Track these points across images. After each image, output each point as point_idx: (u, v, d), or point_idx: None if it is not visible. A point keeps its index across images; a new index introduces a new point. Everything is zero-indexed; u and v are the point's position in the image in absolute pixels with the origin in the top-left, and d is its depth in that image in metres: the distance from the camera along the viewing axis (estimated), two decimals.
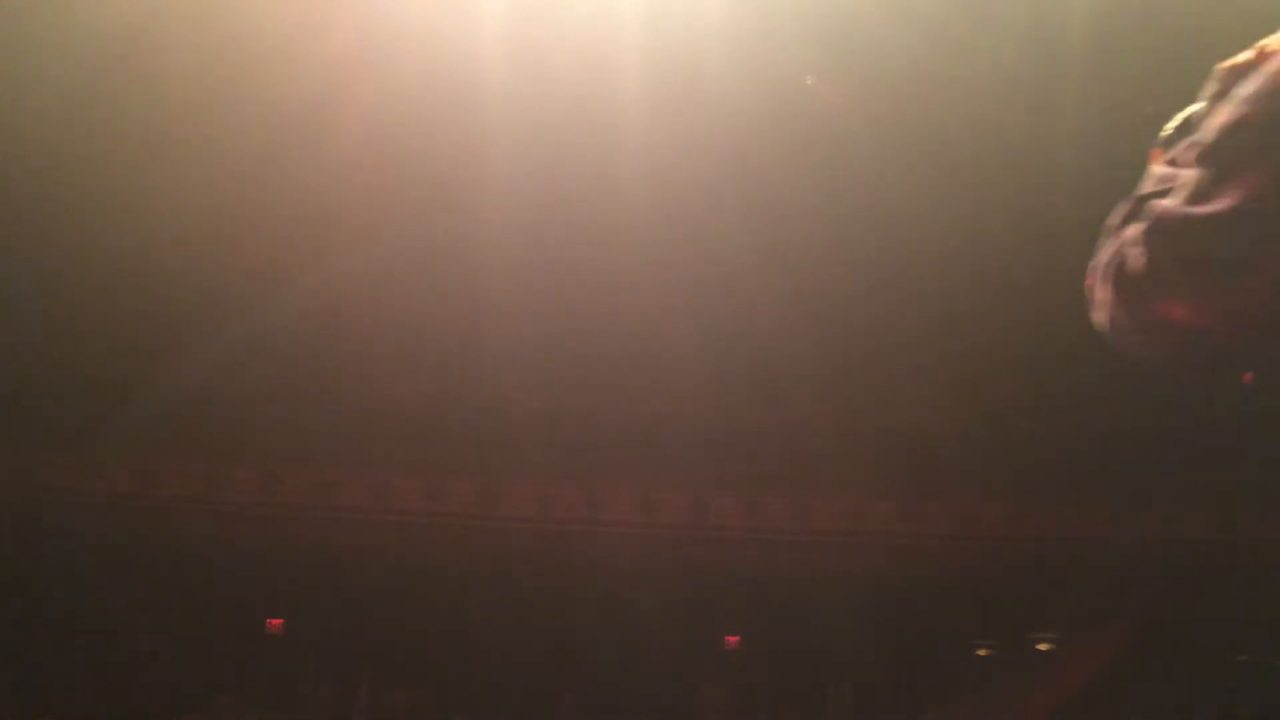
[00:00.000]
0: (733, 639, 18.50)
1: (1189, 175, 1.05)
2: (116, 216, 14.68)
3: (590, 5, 12.31)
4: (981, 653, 18.94)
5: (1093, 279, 1.14)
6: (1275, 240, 0.98)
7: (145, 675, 15.91)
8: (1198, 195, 1.03)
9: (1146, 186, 1.11)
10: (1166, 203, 1.05)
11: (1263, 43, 1.06)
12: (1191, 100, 1.13)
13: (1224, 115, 1.04)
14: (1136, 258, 1.06)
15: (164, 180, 13.94)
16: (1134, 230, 1.08)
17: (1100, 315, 1.12)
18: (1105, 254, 1.11)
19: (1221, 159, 1.02)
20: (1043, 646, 18.28)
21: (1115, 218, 1.13)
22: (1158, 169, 1.11)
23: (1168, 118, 1.16)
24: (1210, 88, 1.09)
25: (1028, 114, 12.74)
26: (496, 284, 16.21)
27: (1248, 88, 1.02)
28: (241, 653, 16.37)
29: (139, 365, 16.27)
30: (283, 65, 12.43)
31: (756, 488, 18.11)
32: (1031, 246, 17.23)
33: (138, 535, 15.76)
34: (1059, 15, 12.19)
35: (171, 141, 13.82)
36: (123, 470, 16.44)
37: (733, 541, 17.82)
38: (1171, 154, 1.10)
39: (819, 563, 17.19)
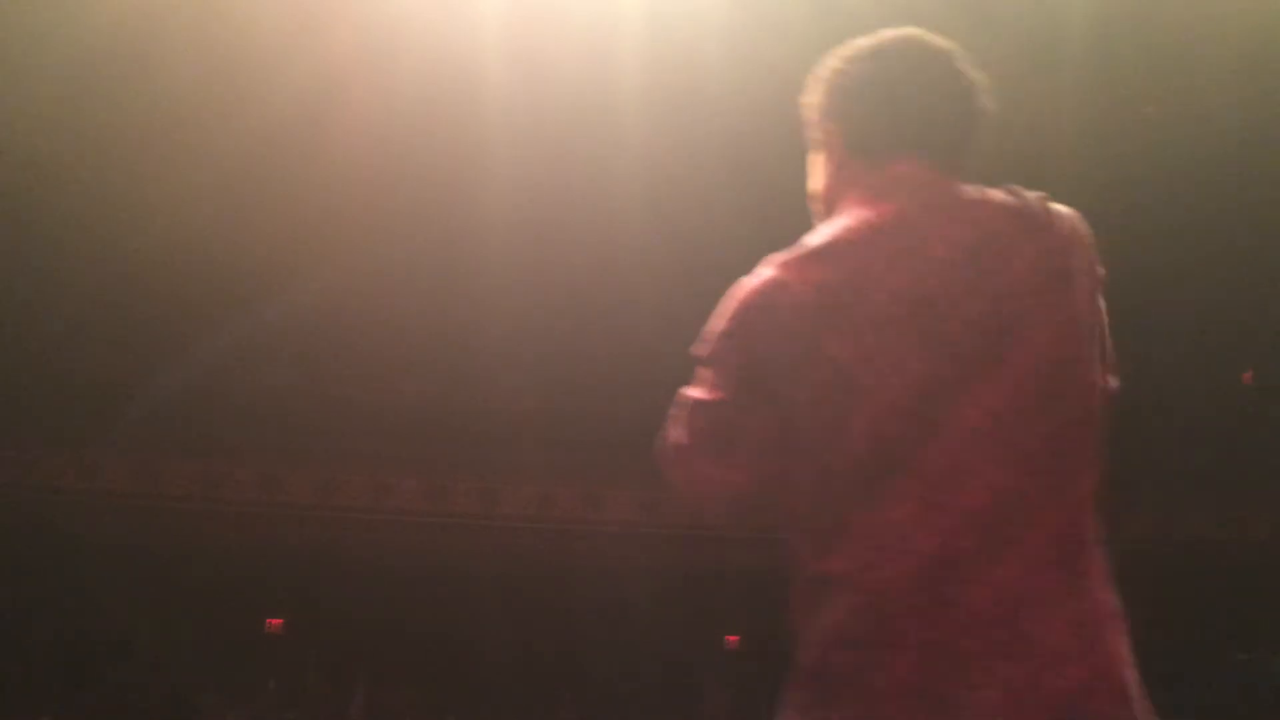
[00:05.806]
0: (733, 639, 18.49)
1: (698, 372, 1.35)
2: (116, 216, 14.69)
3: (590, 5, 12.32)
4: None
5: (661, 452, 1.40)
6: (746, 428, 1.24)
7: (144, 675, 15.91)
8: (698, 387, 1.32)
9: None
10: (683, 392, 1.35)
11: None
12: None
13: (714, 326, 1.34)
14: (670, 434, 1.36)
15: (164, 180, 13.95)
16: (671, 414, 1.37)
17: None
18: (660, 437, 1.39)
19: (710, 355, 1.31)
20: None
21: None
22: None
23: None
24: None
25: (1027, 114, 12.74)
26: (496, 283, 16.22)
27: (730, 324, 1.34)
28: (241, 653, 16.37)
29: (139, 365, 16.28)
30: (283, 65, 12.44)
31: None
32: None
33: (138, 535, 15.76)
34: (1059, 15, 12.20)
35: (171, 142, 13.84)
36: (123, 470, 16.44)
37: (733, 541, 17.81)
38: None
39: None
